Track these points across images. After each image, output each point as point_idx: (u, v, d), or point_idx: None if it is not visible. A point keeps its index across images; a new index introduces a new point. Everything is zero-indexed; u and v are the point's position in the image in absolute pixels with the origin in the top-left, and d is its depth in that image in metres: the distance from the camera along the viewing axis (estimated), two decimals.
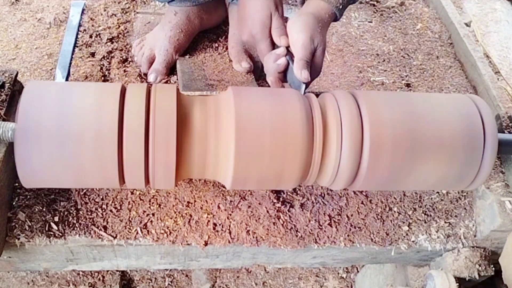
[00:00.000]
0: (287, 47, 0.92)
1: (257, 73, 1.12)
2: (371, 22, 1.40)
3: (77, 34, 1.19)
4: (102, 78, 1.11)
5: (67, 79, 1.09)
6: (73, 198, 0.88)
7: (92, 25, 1.22)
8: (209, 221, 0.89)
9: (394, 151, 0.75)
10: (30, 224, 0.84)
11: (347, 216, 0.94)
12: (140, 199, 0.90)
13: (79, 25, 1.21)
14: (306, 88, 0.87)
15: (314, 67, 0.90)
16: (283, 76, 0.93)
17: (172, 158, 0.70)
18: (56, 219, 0.85)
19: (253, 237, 0.89)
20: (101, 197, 0.89)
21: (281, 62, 0.91)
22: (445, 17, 1.39)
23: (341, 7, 0.93)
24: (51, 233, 0.84)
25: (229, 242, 0.88)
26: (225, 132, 0.72)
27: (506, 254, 0.91)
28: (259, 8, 0.94)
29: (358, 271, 1.45)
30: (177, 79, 1.11)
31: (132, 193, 0.90)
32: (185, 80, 1.03)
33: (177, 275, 1.44)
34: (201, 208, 0.90)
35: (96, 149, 0.68)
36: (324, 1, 0.92)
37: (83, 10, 1.24)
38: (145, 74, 1.13)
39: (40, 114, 0.68)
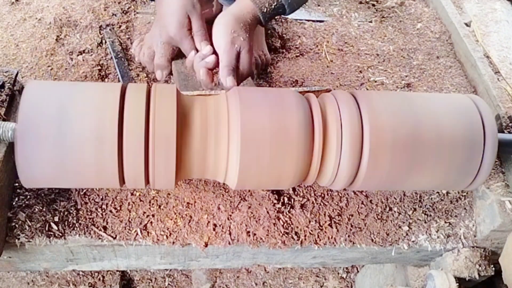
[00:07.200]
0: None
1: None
2: (371, 22, 1.39)
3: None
4: (102, 78, 1.10)
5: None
6: (73, 198, 0.88)
7: None
8: (209, 222, 0.89)
9: (394, 151, 0.75)
10: (30, 224, 0.84)
11: (348, 217, 0.94)
12: (140, 200, 0.90)
13: None
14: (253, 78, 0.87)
15: (242, 69, 0.89)
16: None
17: (172, 158, 0.70)
18: (56, 219, 0.85)
19: (253, 238, 0.89)
20: (101, 197, 0.89)
21: (210, 60, 0.90)
22: (445, 17, 1.39)
23: (265, 10, 0.91)
24: (51, 233, 0.84)
25: (229, 243, 0.88)
26: (227, 133, 0.72)
27: (506, 254, 0.91)
28: (174, 8, 0.93)
29: (358, 271, 1.45)
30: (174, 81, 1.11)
31: (132, 194, 0.90)
32: (182, 80, 1.03)
33: (177, 275, 1.44)
34: (201, 209, 0.90)
35: (96, 149, 0.68)
36: (249, 0, 0.90)
37: None
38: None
39: (41, 114, 0.68)
